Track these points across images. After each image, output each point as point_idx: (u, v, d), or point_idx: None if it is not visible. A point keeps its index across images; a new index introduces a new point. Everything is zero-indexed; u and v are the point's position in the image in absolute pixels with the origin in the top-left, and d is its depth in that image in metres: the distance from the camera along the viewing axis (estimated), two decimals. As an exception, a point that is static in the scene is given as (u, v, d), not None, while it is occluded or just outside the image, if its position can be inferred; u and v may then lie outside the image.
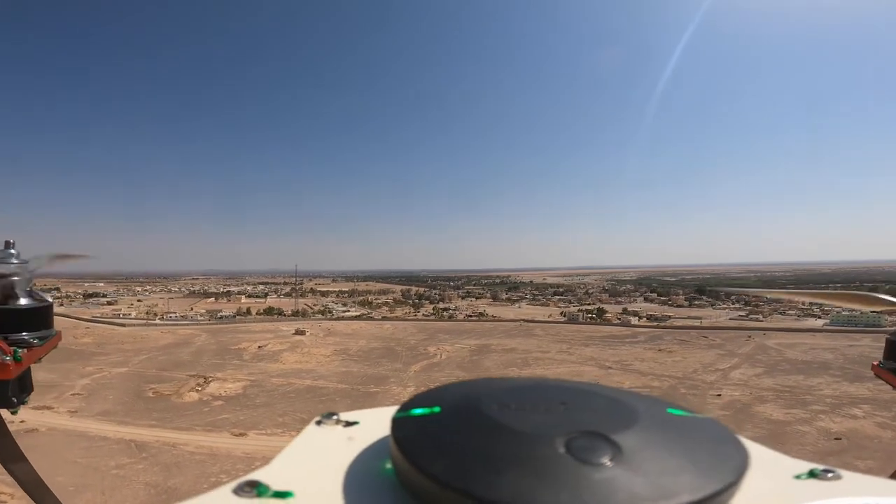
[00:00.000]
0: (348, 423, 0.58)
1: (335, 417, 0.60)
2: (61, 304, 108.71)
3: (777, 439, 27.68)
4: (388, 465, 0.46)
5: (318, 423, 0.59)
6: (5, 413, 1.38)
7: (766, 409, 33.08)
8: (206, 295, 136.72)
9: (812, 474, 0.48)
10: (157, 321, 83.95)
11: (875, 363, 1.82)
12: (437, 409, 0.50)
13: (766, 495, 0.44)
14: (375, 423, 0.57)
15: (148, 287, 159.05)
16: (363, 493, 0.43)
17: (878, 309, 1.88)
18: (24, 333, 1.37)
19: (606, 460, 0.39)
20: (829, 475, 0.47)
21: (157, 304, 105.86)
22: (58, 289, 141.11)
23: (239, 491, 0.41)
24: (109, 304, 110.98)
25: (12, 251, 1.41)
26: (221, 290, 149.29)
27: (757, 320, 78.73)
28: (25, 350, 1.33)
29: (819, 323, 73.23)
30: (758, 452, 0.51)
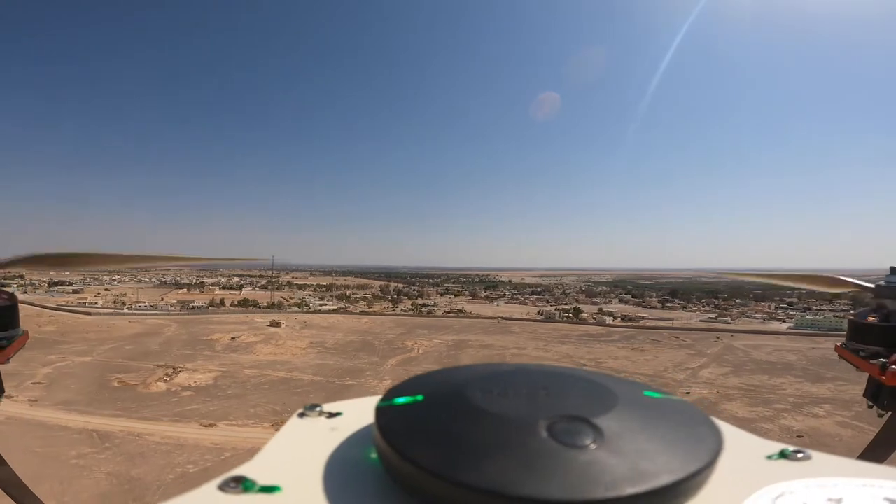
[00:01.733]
0: (331, 415, 0.58)
1: (318, 409, 0.59)
2: (25, 292, 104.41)
3: None
4: (373, 455, 0.46)
5: (301, 415, 0.58)
6: None
7: (732, 406, 34.17)
8: (178, 286, 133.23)
9: (783, 455, 0.49)
10: (126, 311, 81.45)
11: (838, 345, 1.89)
12: (420, 397, 0.50)
13: (740, 475, 0.45)
14: (359, 414, 0.57)
15: (116, 276, 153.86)
16: (349, 484, 0.43)
17: (842, 290, 1.93)
18: None
19: (588, 443, 0.40)
20: (800, 455, 0.49)
21: (125, 294, 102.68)
22: (22, 276, 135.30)
23: (224, 487, 0.41)
24: (75, 292, 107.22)
25: None
26: (194, 281, 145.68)
27: (726, 322, 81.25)
28: None
29: (784, 326, 76.02)
30: (730, 433, 0.52)
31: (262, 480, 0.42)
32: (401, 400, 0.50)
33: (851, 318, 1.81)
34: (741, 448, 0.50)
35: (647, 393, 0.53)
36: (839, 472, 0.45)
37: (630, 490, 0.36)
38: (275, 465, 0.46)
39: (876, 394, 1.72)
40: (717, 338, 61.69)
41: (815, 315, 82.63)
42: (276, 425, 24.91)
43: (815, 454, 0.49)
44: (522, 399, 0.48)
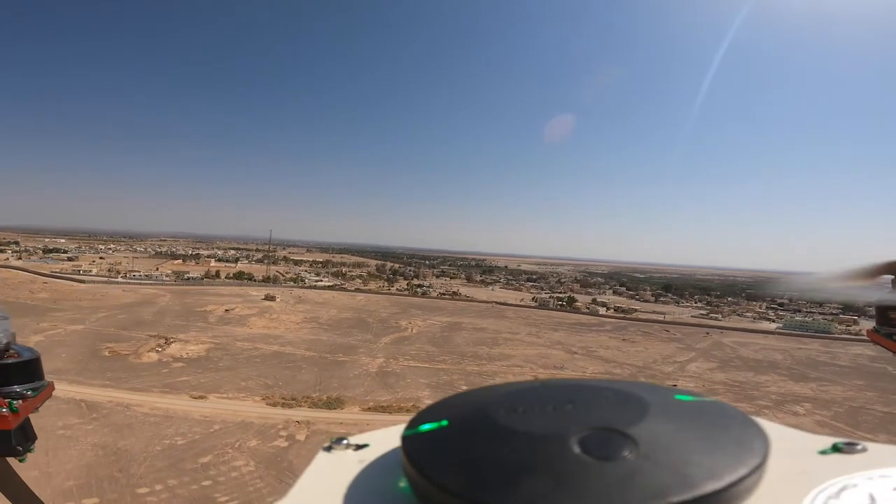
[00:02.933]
0: (358, 447, 0.58)
1: (345, 442, 0.59)
2: (19, 258, 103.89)
3: None
4: (403, 484, 0.46)
5: (328, 448, 0.58)
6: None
7: (717, 400, 34.74)
8: (174, 256, 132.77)
9: (836, 448, 0.47)
10: (120, 279, 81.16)
11: (869, 329, 1.87)
12: (444, 422, 0.50)
13: (794, 473, 0.43)
14: (385, 443, 0.57)
15: (112, 246, 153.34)
16: None
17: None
18: (16, 386, 1.48)
19: (623, 455, 0.39)
20: (857, 447, 0.47)
21: (120, 263, 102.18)
22: (17, 242, 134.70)
23: None
24: (70, 259, 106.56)
25: None
26: (190, 252, 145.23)
27: (716, 319, 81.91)
28: (21, 401, 1.45)
29: (773, 326, 76.76)
30: (776, 431, 0.50)
31: None
32: (426, 427, 0.50)
33: (877, 304, 1.80)
34: (790, 445, 0.48)
35: (678, 397, 0.51)
36: None
37: (675, 499, 0.34)
38: (308, 501, 0.46)
39: None
40: (707, 333, 62.38)
41: (805, 317, 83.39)
42: (267, 399, 24.94)
43: (870, 445, 0.47)
44: (549, 415, 0.47)
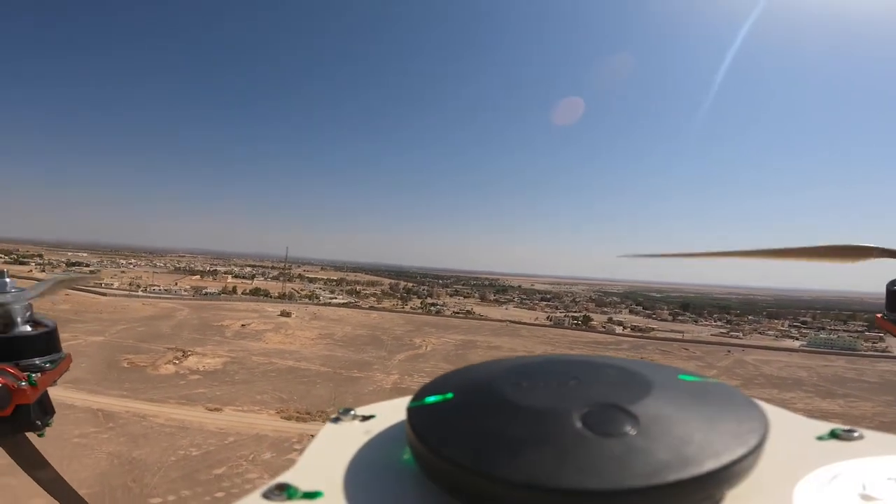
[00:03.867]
0: (365, 418, 0.59)
1: (351, 413, 0.60)
2: (43, 271, 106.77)
3: None
4: (408, 455, 0.47)
5: (335, 420, 0.59)
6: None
7: (741, 419, 33.67)
8: (192, 272, 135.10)
9: (834, 434, 0.47)
10: (140, 293, 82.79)
11: (878, 315, 1.80)
12: (449, 395, 0.50)
13: (790, 457, 0.43)
14: (391, 415, 0.58)
15: (132, 260, 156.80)
16: (387, 485, 0.44)
17: (872, 259, 1.76)
18: (35, 359, 1.39)
19: (625, 431, 0.39)
20: (854, 434, 0.47)
21: (140, 277, 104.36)
22: (40, 256, 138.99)
23: (269, 495, 0.42)
24: (92, 273, 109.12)
25: (6, 279, 1.42)
26: (208, 268, 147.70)
27: (737, 337, 79.96)
28: (39, 374, 1.36)
29: (796, 344, 74.61)
30: (776, 414, 0.51)
31: (304, 487, 0.43)
32: (431, 399, 0.50)
33: (890, 287, 1.73)
34: (789, 429, 0.48)
35: (682, 377, 0.52)
36: (895, 450, 0.44)
37: (673, 477, 0.35)
38: (315, 471, 0.47)
39: None
40: (728, 351, 60.81)
41: (829, 334, 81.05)
42: (281, 412, 24.97)
43: (868, 433, 0.47)
44: (554, 390, 0.47)
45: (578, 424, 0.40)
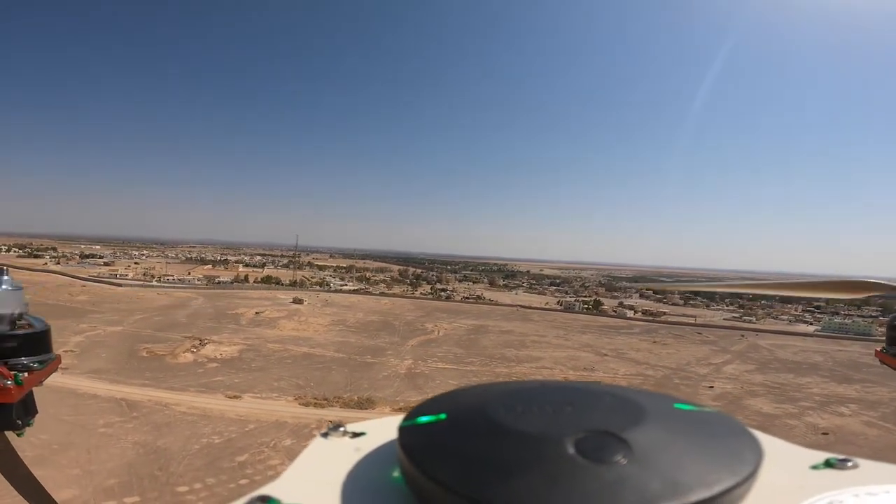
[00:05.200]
0: (355, 434, 0.58)
1: (342, 429, 0.59)
2: (58, 263, 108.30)
3: (765, 432, 27.90)
4: (397, 474, 0.46)
5: (325, 435, 0.58)
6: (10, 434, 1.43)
7: (757, 402, 33.57)
8: (204, 262, 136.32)
9: (828, 464, 0.47)
10: (155, 283, 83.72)
11: (878, 349, 1.78)
12: (442, 415, 0.50)
13: (784, 487, 0.43)
14: (382, 433, 0.57)
15: (145, 252, 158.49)
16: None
17: (875, 294, 1.76)
18: (23, 358, 1.40)
19: (617, 459, 0.39)
20: (848, 464, 0.46)
21: (154, 268, 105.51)
22: (54, 248, 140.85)
23: None
24: (107, 265, 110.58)
25: (5, 277, 1.44)
26: (219, 258, 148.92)
27: (750, 322, 79.36)
28: (26, 374, 1.37)
29: (810, 329, 73.93)
30: (771, 444, 0.50)
31: (288, 500, 0.42)
32: (424, 419, 0.49)
33: (891, 321, 1.71)
34: (783, 458, 0.48)
35: (677, 406, 0.51)
36: (890, 479, 0.43)
37: None
38: (300, 484, 0.46)
39: None
40: (742, 336, 60.44)
41: (844, 319, 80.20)
42: (299, 399, 25.14)
43: (863, 462, 0.47)
44: (548, 415, 0.47)
45: (571, 450, 0.40)
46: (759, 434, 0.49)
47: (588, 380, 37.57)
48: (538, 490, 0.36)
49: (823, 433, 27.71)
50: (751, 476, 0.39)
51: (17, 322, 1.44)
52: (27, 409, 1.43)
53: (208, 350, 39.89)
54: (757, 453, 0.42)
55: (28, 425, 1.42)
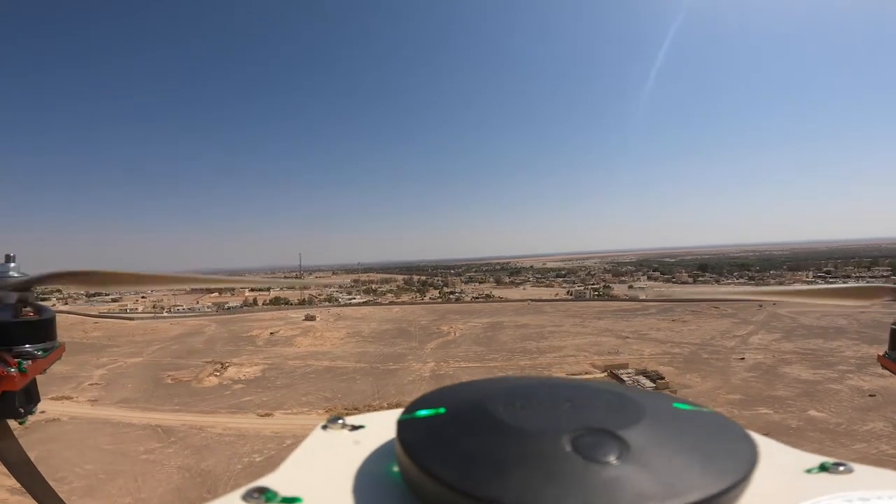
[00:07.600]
0: (354, 427, 0.58)
1: (340, 422, 0.59)
2: (66, 303, 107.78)
3: (812, 397, 27.82)
4: (395, 468, 0.46)
5: (324, 427, 0.58)
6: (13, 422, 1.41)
7: (793, 370, 33.13)
8: (209, 290, 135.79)
9: (823, 468, 0.47)
10: (165, 314, 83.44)
11: (880, 354, 1.75)
12: (442, 410, 0.50)
13: (777, 490, 0.43)
14: (381, 426, 0.57)
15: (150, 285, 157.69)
16: (370, 497, 0.43)
17: (887, 299, 1.67)
18: (27, 346, 1.38)
19: (613, 458, 0.39)
20: (841, 468, 0.46)
21: (161, 300, 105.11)
22: (59, 290, 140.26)
23: (248, 497, 0.41)
24: (114, 300, 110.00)
25: (11, 264, 1.42)
26: (223, 285, 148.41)
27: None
28: (30, 362, 1.36)
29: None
30: (767, 446, 0.50)
31: (285, 492, 0.42)
32: (423, 413, 0.49)
33: (893, 326, 1.66)
34: (779, 461, 0.48)
35: (676, 405, 0.51)
36: (884, 484, 0.43)
37: None
38: (297, 476, 0.46)
39: None
40: (760, 306, 60.01)
41: (857, 281, 79.99)
42: (330, 411, 24.82)
43: (857, 466, 0.47)
44: (546, 412, 0.46)
45: (567, 448, 0.40)
46: (755, 436, 0.48)
47: (615, 363, 37.35)
48: (534, 486, 0.36)
49: (871, 395, 27.16)
50: (744, 479, 0.39)
51: (23, 307, 1.40)
52: (30, 397, 1.41)
53: (231, 372, 39.51)
54: (752, 456, 0.42)
55: (31, 413, 1.41)
